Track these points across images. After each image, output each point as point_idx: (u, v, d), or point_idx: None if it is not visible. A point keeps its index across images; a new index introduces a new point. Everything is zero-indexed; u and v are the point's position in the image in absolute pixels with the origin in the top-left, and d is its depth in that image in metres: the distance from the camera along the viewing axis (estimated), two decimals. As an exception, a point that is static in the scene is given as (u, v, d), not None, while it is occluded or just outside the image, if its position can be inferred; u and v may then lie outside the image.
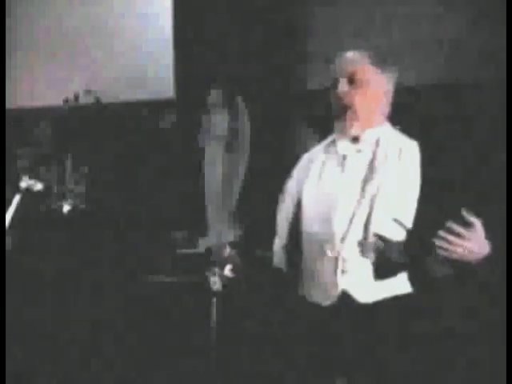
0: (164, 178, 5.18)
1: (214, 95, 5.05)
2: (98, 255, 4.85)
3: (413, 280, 2.25)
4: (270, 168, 4.65)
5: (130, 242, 5.00)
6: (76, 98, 5.37)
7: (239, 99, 5.05)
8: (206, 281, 4.16)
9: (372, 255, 2.24)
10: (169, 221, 5.12)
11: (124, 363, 4.42)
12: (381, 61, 2.40)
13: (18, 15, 5.67)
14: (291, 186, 2.45)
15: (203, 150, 5.08)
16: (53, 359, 4.47)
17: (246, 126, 5.05)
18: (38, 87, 5.59)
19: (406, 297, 2.25)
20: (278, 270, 2.40)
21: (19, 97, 5.58)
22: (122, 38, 5.54)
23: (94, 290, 4.66)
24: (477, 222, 2.16)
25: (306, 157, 2.50)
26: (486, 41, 4.66)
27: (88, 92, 5.34)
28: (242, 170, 5.04)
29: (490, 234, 2.19)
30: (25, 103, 5.57)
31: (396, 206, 2.24)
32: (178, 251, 4.96)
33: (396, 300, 2.24)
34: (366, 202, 2.26)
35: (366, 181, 2.30)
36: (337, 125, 2.40)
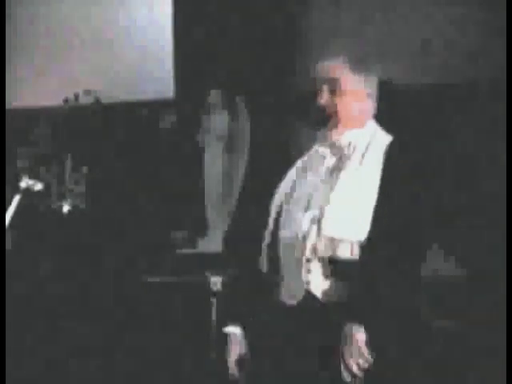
0: (164, 177, 5.18)
1: (214, 95, 5.05)
2: (98, 255, 4.85)
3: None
4: (270, 168, 4.65)
5: (129, 241, 5.00)
6: (76, 97, 5.37)
7: (239, 99, 5.05)
8: (206, 281, 4.18)
9: (326, 256, 2.28)
10: (169, 221, 5.12)
11: (124, 363, 4.42)
12: (361, 64, 2.42)
13: (18, 15, 5.66)
14: (282, 186, 2.49)
15: (203, 149, 5.08)
16: (53, 359, 4.47)
17: (245, 125, 5.05)
18: (38, 87, 5.59)
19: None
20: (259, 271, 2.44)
21: (19, 97, 5.58)
22: (122, 39, 5.54)
23: (94, 290, 4.66)
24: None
25: (298, 163, 2.54)
26: (486, 41, 4.66)
27: (88, 92, 5.33)
28: (241, 170, 5.04)
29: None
30: (25, 103, 5.57)
31: (353, 208, 2.27)
32: (178, 251, 4.96)
33: (359, 299, 2.25)
34: (322, 205, 2.31)
35: (327, 183, 2.35)
36: (320, 133, 2.44)
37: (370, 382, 2.23)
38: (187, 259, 4.82)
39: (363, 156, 2.36)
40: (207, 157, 5.07)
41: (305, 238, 2.32)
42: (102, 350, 4.51)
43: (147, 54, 5.46)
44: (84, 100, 5.37)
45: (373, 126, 2.46)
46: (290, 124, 4.99)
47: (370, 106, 2.46)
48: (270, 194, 2.49)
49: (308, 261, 2.31)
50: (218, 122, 5.05)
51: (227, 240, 4.89)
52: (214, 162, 5.05)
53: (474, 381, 3.81)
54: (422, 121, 4.44)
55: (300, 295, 2.31)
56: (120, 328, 4.53)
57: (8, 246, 3.03)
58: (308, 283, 2.31)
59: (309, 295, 2.30)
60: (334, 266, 2.28)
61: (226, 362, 2.46)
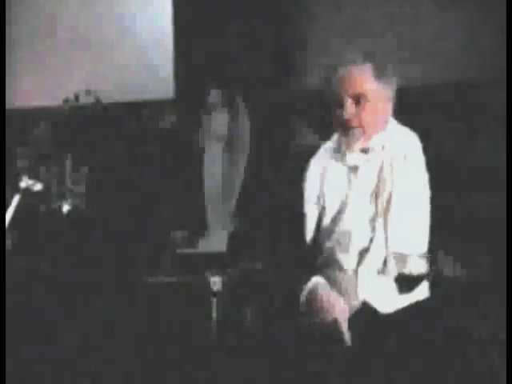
0: (164, 177, 5.18)
1: (214, 95, 5.04)
2: (98, 255, 4.85)
3: (431, 284, 2.26)
4: (270, 168, 4.65)
5: (129, 242, 5.00)
6: (76, 97, 5.37)
7: (239, 99, 5.05)
8: (206, 281, 4.18)
9: (393, 273, 2.25)
10: (169, 221, 5.12)
11: (123, 363, 4.42)
12: (383, 71, 2.40)
13: (18, 15, 5.66)
14: (311, 194, 2.44)
15: (203, 150, 5.08)
16: (52, 359, 4.47)
17: (245, 125, 5.04)
18: (38, 87, 5.59)
19: (425, 301, 2.26)
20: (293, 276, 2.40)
21: (19, 97, 5.58)
22: (122, 38, 5.54)
23: (94, 290, 4.66)
24: None
25: (316, 163, 2.49)
26: (486, 41, 4.66)
27: (88, 92, 5.33)
28: (241, 169, 5.03)
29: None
30: (25, 103, 5.57)
31: (410, 216, 2.25)
32: (178, 251, 4.96)
33: (415, 306, 2.24)
34: (380, 217, 2.27)
35: (377, 193, 2.30)
36: (344, 140, 2.40)
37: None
38: (187, 259, 4.81)
39: (405, 158, 2.33)
40: (207, 157, 5.07)
41: (365, 251, 2.29)
42: (102, 350, 4.50)
43: (147, 54, 5.46)
44: (84, 100, 5.36)
45: (395, 126, 2.45)
46: (290, 124, 4.99)
47: (389, 107, 2.45)
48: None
49: (364, 275, 2.27)
50: (218, 121, 5.05)
51: (231, 240, 4.88)
52: (213, 162, 5.05)
53: (475, 380, 3.80)
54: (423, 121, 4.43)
55: (354, 308, 2.28)
56: (119, 328, 4.52)
57: (8, 246, 3.04)
58: (368, 297, 2.27)
59: (365, 308, 2.27)
60: (404, 282, 2.24)
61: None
